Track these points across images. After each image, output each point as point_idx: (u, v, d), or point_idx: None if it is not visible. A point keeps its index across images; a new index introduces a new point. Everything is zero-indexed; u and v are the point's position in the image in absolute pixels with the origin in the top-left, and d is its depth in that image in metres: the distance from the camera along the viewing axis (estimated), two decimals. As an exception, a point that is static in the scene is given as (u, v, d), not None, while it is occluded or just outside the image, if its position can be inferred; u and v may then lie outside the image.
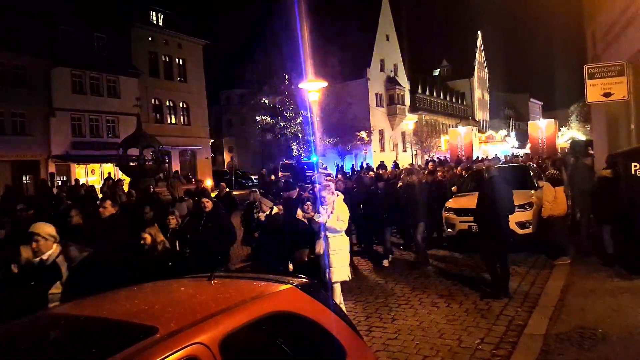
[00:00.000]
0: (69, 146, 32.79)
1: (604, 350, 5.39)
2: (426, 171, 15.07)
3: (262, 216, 9.15)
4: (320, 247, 7.27)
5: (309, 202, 8.16)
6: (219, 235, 8.19)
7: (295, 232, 7.56)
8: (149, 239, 6.28)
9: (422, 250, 10.37)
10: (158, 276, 3.83)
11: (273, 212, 8.81)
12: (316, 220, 7.34)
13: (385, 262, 10.54)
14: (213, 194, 15.84)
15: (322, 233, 7.28)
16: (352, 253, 10.64)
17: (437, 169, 15.79)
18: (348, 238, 7.62)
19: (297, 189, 11.18)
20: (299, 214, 7.92)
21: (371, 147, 49.98)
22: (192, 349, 2.35)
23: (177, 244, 7.52)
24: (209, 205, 8.33)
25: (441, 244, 12.13)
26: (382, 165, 26.02)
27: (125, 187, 18.28)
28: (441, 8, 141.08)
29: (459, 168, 16.25)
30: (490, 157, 26.72)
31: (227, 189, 14.99)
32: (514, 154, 36.52)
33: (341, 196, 7.65)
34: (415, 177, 10.80)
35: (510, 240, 8.67)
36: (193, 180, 35.30)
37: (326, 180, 13.13)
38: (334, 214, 7.30)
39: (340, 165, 37.17)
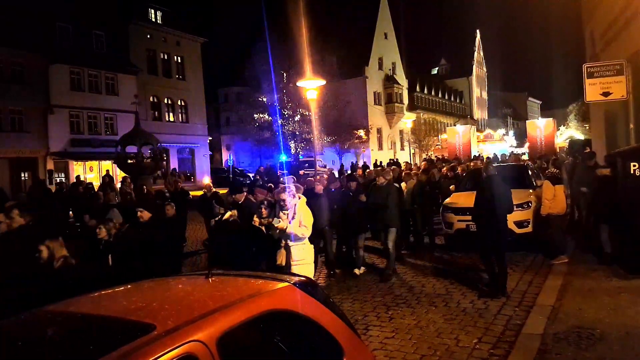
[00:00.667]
0: (67, 143, 32.75)
1: (602, 350, 5.39)
2: (406, 171, 14.42)
3: (212, 222, 8.21)
4: (281, 258, 6.63)
5: (263, 206, 7.51)
6: (155, 250, 6.95)
7: (247, 241, 6.89)
8: (45, 252, 5.42)
9: (392, 259, 9.51)
10: (47, 299, 3.31)
11: (225, 217, 7.87)
12: (275, 225, 6.59)
13: (357, 271, 9.58)
14: (200, 193, 15.66)
15: (283, 241, 6.65)
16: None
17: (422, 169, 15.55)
18: (312, 246, 6.94)
19: (244, 193, 9.87)
20: (255, 220, 7.30)
21: (369, 145, 49.99)
22: (189, 346, 2.35)
23: (110, 258, 6.62)
24: (144, 216, 7.52)
25: (421, 250, 11.49)
26: (395, 162, 25.73)
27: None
28: (440, 7, 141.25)
29: (444, 169, 16.14)
30: (481, 156, 26.56)
31: (214, 190, 14.64)
32: (514, 152, 36.52)
33: (303, 199, 6.96)
34: (383, 178, 9.77)
35: (508, 240, 8.68)
36: (192, 178, 35.22)
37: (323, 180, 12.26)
38: (296, 219, 6.61)
39: (354, 163, 37.17)
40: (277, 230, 6.56)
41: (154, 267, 6.10)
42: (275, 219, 6.65)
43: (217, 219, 8.01)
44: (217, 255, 7.48)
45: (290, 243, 6.57)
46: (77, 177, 24.37)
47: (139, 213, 7.59)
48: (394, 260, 9.58)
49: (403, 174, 13.20)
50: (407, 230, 11.94)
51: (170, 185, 18.26)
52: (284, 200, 6.76)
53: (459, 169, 15.56)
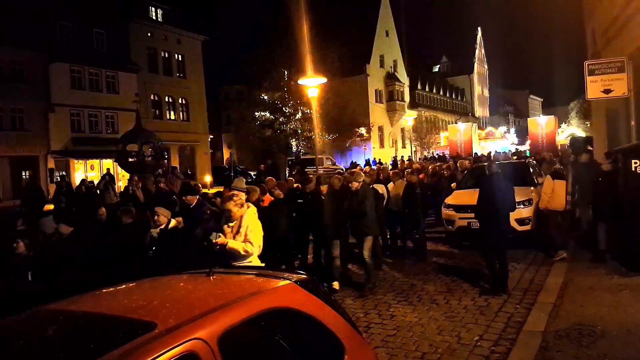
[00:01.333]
0: (68, 142, 32.77)
1: (603, 347, 5.38)
2: (394, 170, 13.54)
3: (154, 232, 6.84)
4: None
5: (206, 216, 6.45)
6: (88, 264, 6.02)
7: (195, 258, 5.83)
8: None
9: (370, 271, 8.49)
10: None
11: (170, 225, 6.82)
12: (214, 241, 5.42)
13: (334, 285, 8.32)
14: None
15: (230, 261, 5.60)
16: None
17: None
18: (262, 265, 5.94)
19: (197, 195, 8.37)
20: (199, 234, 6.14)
21: (370, 143, 49.97)
22: (190, 344, 2.35)
23: (30, 275, 5.84)
24: (62, 230, 6.60)
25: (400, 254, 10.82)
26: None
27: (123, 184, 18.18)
28: (441, 4, 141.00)
29: (430, 168, 16.00)
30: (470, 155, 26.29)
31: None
32: (517, 149, 36.50)
33: (252, 209, 5.89)
34: (356, 183, 8.49)
35: (510, 237, 8.67)
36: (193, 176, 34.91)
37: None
38: (240, 233, 5.60)
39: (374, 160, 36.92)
40: (217, 247, 5.45)
41: (96, 280, 4.86)
42: (214, 233, 5.54)
43: (162, 227, 6.78)
44: (155, 272, 6.48)
45: (233, 263, 5.55)
46: (62, 176, 22.97)
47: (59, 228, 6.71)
48: (372, 270, 8.56)
49: (391, 173, 12.68)
50: (393, 234, 11.64)
51: (172, 184, 18.10)
52: (229, 211, 5.69)
53: (443, 167, 15.47)
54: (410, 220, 10.49)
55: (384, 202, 10.79)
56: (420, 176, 14.96)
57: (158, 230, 6.78)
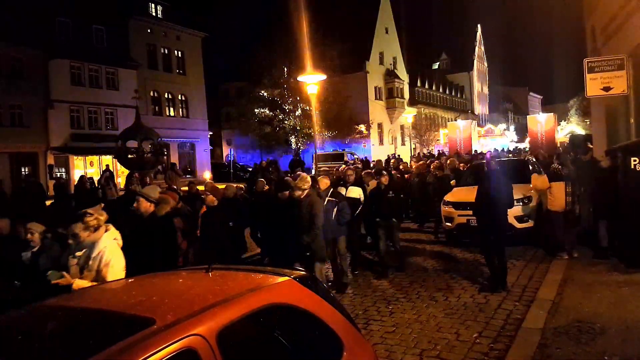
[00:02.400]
0: (67, 138, 32.74)
1: (602, 344, 5.39)
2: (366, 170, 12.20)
3: (25, 255, 5.33)
4: None
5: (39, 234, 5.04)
6: None
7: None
8: None
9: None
10: None
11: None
12: (53, 281, 3.96)
13: None
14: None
15: None
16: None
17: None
18: None
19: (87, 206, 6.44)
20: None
21: (370, 140, 49.97)
22: (189, 340, 2.35)
23: None
24: None
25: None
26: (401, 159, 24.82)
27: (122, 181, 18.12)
28: (441, 1, 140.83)
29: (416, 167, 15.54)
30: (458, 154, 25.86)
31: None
32: (518, 147, 36.50)
33: (111, 234, 4.36)
34: (299, 190, 7.21)
35: (509, 234, 8.67)
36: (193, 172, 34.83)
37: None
38: (91, 267, 4.14)
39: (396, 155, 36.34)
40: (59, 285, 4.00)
41: None
42: (53, 272, 4.06)
43: (36, 249, 5.30)
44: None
45: None
46: (28, 176, 21.31)
47: None
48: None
49: (363, 173, 11.29)
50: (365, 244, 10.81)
51: (171, 180, 17.97)
52: (76, 235, 4.25)
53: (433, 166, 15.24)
54: (386, 229, 9.17)
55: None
56: (407, 177, 14.85)
57: (30, 253, 5.30)
